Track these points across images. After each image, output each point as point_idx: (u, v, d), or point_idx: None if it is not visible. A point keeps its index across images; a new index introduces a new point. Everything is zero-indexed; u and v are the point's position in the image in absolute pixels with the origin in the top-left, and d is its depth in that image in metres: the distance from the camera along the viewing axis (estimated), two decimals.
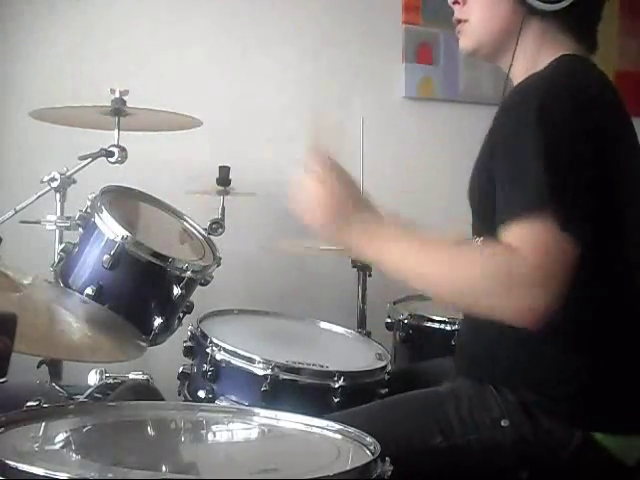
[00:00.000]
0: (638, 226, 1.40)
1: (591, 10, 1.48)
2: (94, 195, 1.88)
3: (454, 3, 1.53)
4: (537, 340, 1.36)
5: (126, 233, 1.79)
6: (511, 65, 1.48)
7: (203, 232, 2.11)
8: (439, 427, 1.37)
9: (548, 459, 1.34)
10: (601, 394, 1.35)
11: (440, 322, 2.14)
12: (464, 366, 1.50)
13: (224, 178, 2.40)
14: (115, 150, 2.04)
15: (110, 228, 1.81)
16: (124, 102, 2.08)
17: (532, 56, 1.45)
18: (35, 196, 1.96)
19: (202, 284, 1.97)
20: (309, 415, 1.24)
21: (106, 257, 1.78)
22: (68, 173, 1.99)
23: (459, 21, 1.53)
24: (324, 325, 2.14)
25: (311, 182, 1.34)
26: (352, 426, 1.19)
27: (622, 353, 1.38)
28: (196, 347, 1.85)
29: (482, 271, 1.23)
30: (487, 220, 1.32)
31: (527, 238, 1.20)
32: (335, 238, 1.38)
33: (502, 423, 1.36)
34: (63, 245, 1.91)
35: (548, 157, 1.24)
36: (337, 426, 1.19)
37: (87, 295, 1.78)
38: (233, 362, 1.75)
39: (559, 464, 1.35)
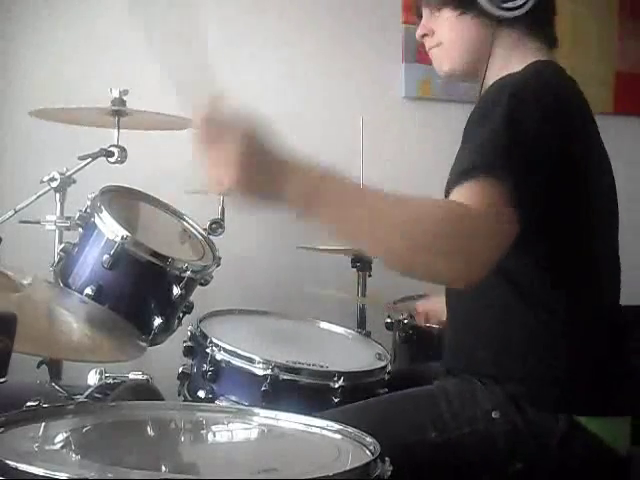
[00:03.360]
0: (602, 223, 1.44)
1: (547, 7, 1.52)
2: (94, 195, 1.88)
3: (423, 37, 1.57)
4: (513, 330, 1.41)
5: (126, 233, 1.79)
6: (484, 77, 1.52)
7: (203, 232, 2.11)
8: (433, 424, 1.39)
9: (538, 448, 1.37)
10: (580, 377, 1.38)
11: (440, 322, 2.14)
12: (450, 364, 1.53)
13: None
14: (115, 150, 2.04)
15: (110, 228, 1.81)
16: (124, 102, 2.08)
17: (503, 64, 1.48)
18: (35, 196, 1.96)
19: (202, 284, 1.97)
20: (309, 415, 1.24)
21: (106, 257, 1.78)
22: (68, 173, 1.99)
23: (430, 48, 1.57)
24: (324, 325, 2.14)
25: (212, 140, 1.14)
26: (347, 423, 1.19)
27: (597, 337, 1.41)
28: (196, 347, 1.85)
29: (437, 219, 1.18)
30: None
31: (478, 196, 1.20)
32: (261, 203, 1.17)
33: (493, 415, 1.38)
34: (63, 245, 1.91)
35: (512, 130, 1.26)
36: (337, 426, 1.18)
37: (87, 295, 1.78)
38: (233, 362, 1.75)
39: (550, 453, 1.37)
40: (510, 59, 1.48)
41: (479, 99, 1.44)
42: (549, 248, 1.37)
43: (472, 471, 1.38)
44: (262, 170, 1.14)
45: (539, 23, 1.50)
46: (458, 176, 1.24)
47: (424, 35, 1.57)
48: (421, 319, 2.05)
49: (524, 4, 1.44)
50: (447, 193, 1.27)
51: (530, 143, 1.26)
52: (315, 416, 1.24)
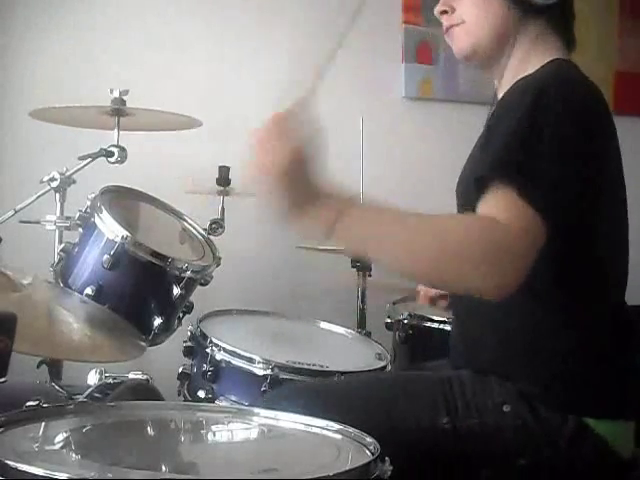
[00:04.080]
0: (614, 222, 1.43)
1: (567, 8, 1.50)
2: (94, 195, 1.88)
3: (442, 13, 1.52)
4: (521, 329, 1.40)
5: (126, 233, 1.79)
6: (505, 68, 1.48)
7: (203, 232, 2.11)
8: (446, 406, 1.38)
9: (547, 447, 1.37)
10: (590, 378, 1.38)
11: (440, 322, 2.14)
12: (461, 359, 1.52)
13: (224, 178, 2.39)
14: (115, 150, 2.04)
15: (110, 228, 1.81)
16: (124, 102, 2.08)
17: (523, 59, 1.46)
18: (35, 196, 1.96)
19: (202, 284, 1.97)
20: (309, 415, 1.24)
21: (106, 257, 1.79)
22: (68, 173, 1.99)
23: (450, 27, 1.51)
24: (324, 325, 2.14)
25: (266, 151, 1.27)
26: (362, 394, 1.19)
27: (606, 336, 1.40)
28: (196, 347, 1.85)
29: (468, 237, 1.20)
30: (474, 211, 1.32)
31: (507, 208, 1.21)
32: (296, 220, 1.23)
33: (504, 408, 1.38)
34: (63, 245, 1.91)
35: (541, 138, 1.25)
36: (337, 426, 1.18)
37: (87, 295, 1.78)
38: (233, 362, 1.75)
39: (557, 452, 1.37)
40: (530, 54, 1.45)
41: (501, 100, 1.43)
42: (563, 246, 1.36)
43: (475, 462, 1.38)
44: (297, 185, 1.21)
45: (559, 22, 1.48)
46: (488, 178, 1.25)
47: (443, 12, 1.51)
48: (425, 301, 2.01)
49: None
50: (465, 185, 1.27)
51: (559, 153, 1.26)
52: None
